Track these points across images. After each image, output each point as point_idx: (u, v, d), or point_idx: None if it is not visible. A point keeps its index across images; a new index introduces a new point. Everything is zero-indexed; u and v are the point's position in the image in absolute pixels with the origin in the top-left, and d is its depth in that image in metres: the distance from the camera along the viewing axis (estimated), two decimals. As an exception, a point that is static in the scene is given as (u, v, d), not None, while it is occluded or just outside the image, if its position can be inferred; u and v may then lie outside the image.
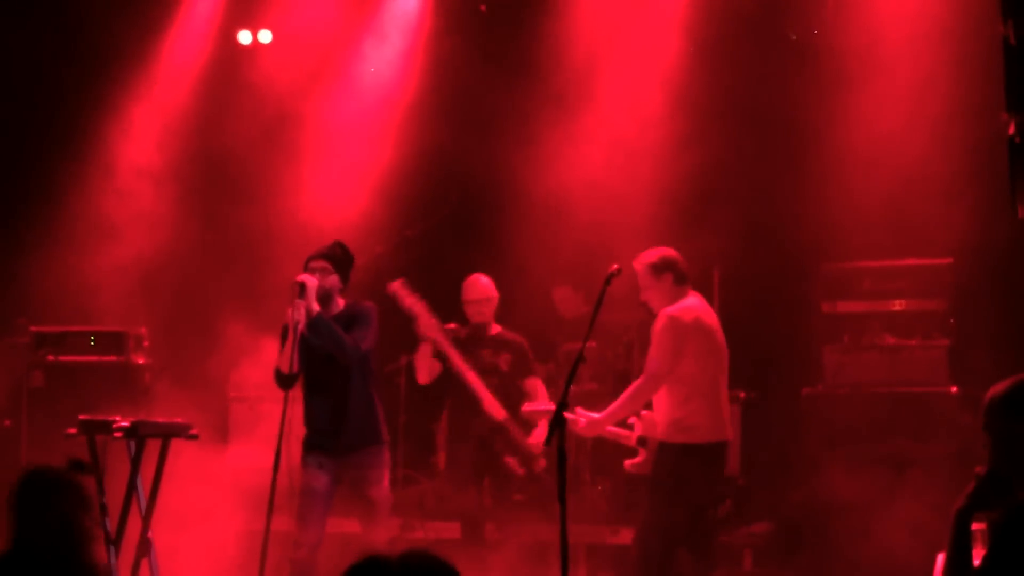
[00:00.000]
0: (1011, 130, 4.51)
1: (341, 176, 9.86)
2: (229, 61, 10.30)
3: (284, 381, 6.72)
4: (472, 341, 8.00)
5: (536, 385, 8.00)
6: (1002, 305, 8.33)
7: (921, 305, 8.26)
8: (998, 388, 3.96)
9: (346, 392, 6.81)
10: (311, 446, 6.84)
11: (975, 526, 3.94)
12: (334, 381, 6.81)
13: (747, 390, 8.96)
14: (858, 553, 7.71)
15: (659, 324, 6.72)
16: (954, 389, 7.96)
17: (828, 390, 8.28)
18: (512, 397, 7.84)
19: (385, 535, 6.86)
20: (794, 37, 9.40)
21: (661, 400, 6.75)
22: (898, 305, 8.32)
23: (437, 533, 8.81)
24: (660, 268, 6.80)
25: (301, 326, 6.62)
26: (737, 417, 8.81)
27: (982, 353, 7.83)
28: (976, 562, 3.84)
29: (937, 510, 4.36)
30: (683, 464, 6.63)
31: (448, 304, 10.12)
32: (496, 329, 8.10)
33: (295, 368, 6.68)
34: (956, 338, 8.16)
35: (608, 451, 9.20)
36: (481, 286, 8.10)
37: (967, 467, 4.10)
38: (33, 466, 4.25)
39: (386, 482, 6.90)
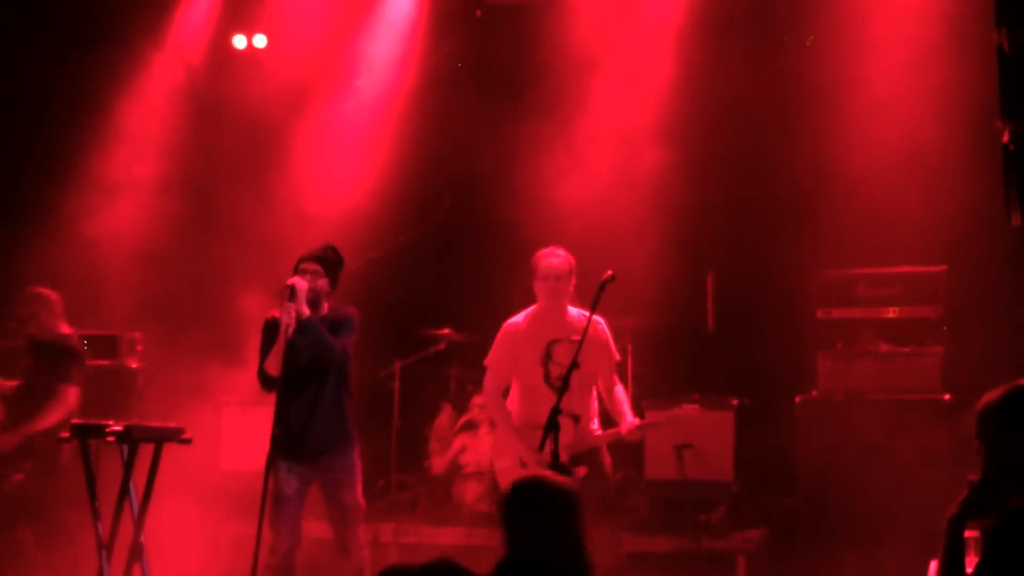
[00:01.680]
0: (1005, 138, 4.51)
1: (335, 180, 9.86)
2: (224, 65, 10.29)
3: (270, 383, 6.70)
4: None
5: (63, 391, 7.62)
6: (996, 313, 8.35)
7: (915, 312, 8.27)
8: (991, 396, 3.97)
9: (318, 395, 6.78)
10: (279, 448, 6.69)
11: (968, 533, 3.95)
12: (309, 384, 6.77)
13: (740, 396, 8.96)
14: (851, 559, 7.72)
15: (604, 328, 6.92)
16: (947, 396, 7.96)
17: (822, 397, 8.28)
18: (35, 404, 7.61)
19: (362, 540, 6.82)
20: (809, 42, 9.38)
21: (594, 401, 6.90)
22: (892, 312, 8.32)
23: (430, 538, 8.81)
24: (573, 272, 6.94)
25: (291, 330, 6.61)
26: (731, 423, 8.82)
27: (975, 361, 7.84)
28: (969, 570, 3.85)
29: (930, 517, 4.35)
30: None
31: (439, 308, 10.15)
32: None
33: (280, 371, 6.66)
34: (949, 346, 8.16)
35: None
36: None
37: (960, 475, 4.11)
38: (533, 478, 4.17)
39: (359, 485, 6.84)
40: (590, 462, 6.70)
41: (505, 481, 6.80)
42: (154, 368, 9.40)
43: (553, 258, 6.86)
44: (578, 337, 6.51)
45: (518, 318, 7.00)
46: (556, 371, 6.71)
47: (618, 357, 6.98)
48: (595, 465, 6.72)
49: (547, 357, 6.80)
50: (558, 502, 4.08)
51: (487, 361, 7.00)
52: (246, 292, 9.00)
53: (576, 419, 6.64)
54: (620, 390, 6.93)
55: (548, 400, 6.58)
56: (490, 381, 6.99)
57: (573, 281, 6.85)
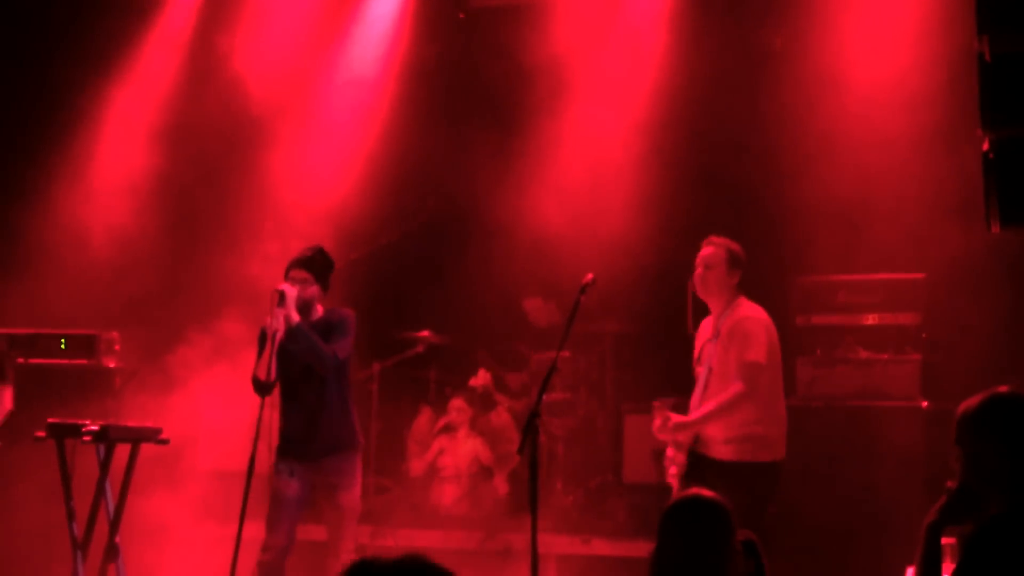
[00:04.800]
0: (985, 146, 4.52)
1: (317, 182, 9.83)
2: (206, 67, 10.23)
3: (262, 388, 6.74)
4: None
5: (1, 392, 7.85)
6: (974, 320, 8.36)
7: (894, 319, 8.29)
8: (970, 403, 3.98)
9: (321, 400, 6.82)
10: (283, 452, 6.84)
11: (945, 540, 3.95)
12: (310, 389, 6.82)
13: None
14: (829, 565, 7.72)
15: (749, 325, 6.49)
16: (925, 404, 7.98)
17: (800, 403, 8.28)
18: None
19: (350, 544, 6.83)
20: (778, 44, 9.39)
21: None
22: (871, 319, 8.34)
23: (408, 541, 8.79)
24: (739, 262, 6.64)
25: (280, 335, 6.63)
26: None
27: (954, 368, 7.86)
28: (945, 576, 3.86)
29: (907, 524, 4.36)
30: (764, 484, 6.46)
31: (419, 310, 10.13)
32: None
33: (272, 376, 6.69)
34: (928, 353, 8.18)
35: (579, 461, 9.20)
36: None
37: (938, 482, 4.11)
38: (693, 496, 4.14)
39: (358, 489, 6.88)
40: (700, 474, 6.23)
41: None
42: (132, 368, 9.36)
43: (705, 246, 6.63)
44: (717, 334, 6.42)
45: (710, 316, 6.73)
46: (703, 373, 6.55)
47: (750, 357, 6.43)
48: (701, 480, 6.02)
49: (699, 359, 6.65)
50: (710, 520, 4.07)
51: None
52: (225, 292, 8.97)
53: None
54: (728, 394, 6.34)
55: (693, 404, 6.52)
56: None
57: (729, 272, 6.54)
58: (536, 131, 9.54)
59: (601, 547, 8.45)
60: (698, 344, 6.75)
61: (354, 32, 10.23)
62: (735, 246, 6.64)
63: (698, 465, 6.46)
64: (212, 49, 10.26)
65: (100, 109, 10.08)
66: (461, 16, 10.27)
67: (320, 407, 6.82)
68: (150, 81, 10.22)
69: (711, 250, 6.60)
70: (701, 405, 6.45)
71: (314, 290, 6.88)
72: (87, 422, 6.98)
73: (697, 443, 6.49)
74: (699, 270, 6.61)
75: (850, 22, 8.90)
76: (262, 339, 6.84)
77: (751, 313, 6.57)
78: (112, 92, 10.10)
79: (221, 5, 10.21)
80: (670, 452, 6.52)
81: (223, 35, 10.20)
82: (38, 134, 10.05)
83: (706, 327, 6.75)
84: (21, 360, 9.11)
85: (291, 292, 6.70)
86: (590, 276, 6.40)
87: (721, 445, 6.44)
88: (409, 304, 10.30)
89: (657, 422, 6.47)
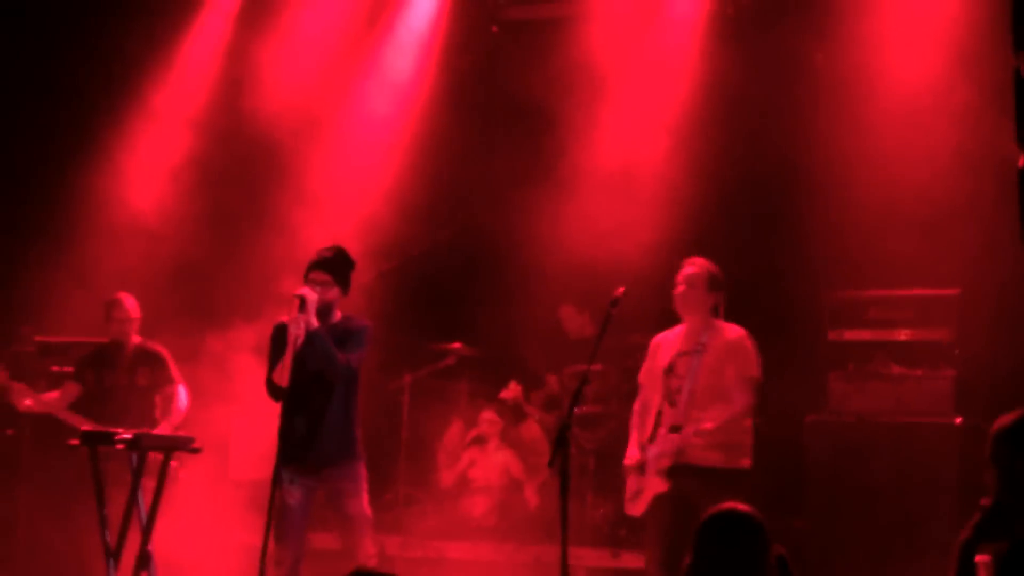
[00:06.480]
0: (1021, 162, 4.51)
1: (350, 192, 9.86)
2: (241, 75, 10.28)
3: (279, 393, 6.68)
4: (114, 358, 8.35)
5: (172, 391, 8.27)
6: (1008, 336, 8.31)
7: (927, 335, 8.24)
8: (1004, 420, 3.97)
9: (324, 407, 6.76)
10: (284, 459, 6.64)
11: (979, 558, 3.93)
12: (316, 396, 6.76)
13: (751, 416, 8.91)
14: (860, 582, 7.69)
15: (749, 344, 6.71)
16: (959, 420, 7.92)
17: (832, 418, 8.25)
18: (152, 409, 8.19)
19: (370, 550, 6.80)
20: (819, 57, 9.36)
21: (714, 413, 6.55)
22: (904, 335, 8.30)
23: (437, 552, 8.80)
24: (718, 284, 6.80)
25: (300, 340, 6.59)
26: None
27: (987, 384, 7.82)
28: (979, 594, 3.83)
29: (941, 541, 4.34)
30: (748, 489, 6.47)
31: (451, 321, 10.15)
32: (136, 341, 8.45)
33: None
34: (961, 369, 8.13)
35: (610, 474, 9.18)
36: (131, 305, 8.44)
37: (972, 499, 4.09)
38: (730, 509, 4.16)
39: (363, 496, 6.84)
40: (678, 482, 6.47)
41: (628, 508, 6.78)
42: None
43: (687, 266, 6.81)
44: (700, 349, 6.51)
45: (669, 330, 6.91)
46: (675, 384, 6.65)
47: (754, 373, 6.68)
48: (683, 488, 6.46)
49: (669, 370, 6.72)
50: (747, 534, 4.07)
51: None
52: (257, 301, 9.01)
53: (676, 431, 6.52)
54: (740, 405, 6.57)
55: (664, 416, 6.61)
56: (637, 399, 6.91)
57: (710, 292, 6.74)
58: (569, 143, 9.54)
59: (631, 560, 8.43)
60: (661, 355, 6.81)
61: (387, 43, 10.27)
62: (715, 268, 6.83)
63: (673, 474, 6.52)
64: (246, 56, 10.30)
65: (135, 120, 10.14)
66: (494, 29, 10.30)
67: (323, 415, 6.76)
68: (185, 85, 10.28)
69: (694, 270, 6.79)
70: (706, 413, 6.53)
71: (334, 292, 6.85)
72: (120, 430, 7.02)
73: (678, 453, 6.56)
74: (681, 287, 6.78)
75: (884, 37, 8.87)
76: (274, 340, 6.81)
77: (744, 333, 6.78)
78: (145, 105, 10.17)
79: (257, 13, 10.25)
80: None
81: (257, 42, 10.24)
82: (69, 143, 10.12)
83: (671, 341, 6.83)
84: (56, 368, 9.19)
85: (311, 297, 6.67)
86: (621, 289, 6.41)
87: (705, 451, 6.51)
88: (441, 316, 10.32)
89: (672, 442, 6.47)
